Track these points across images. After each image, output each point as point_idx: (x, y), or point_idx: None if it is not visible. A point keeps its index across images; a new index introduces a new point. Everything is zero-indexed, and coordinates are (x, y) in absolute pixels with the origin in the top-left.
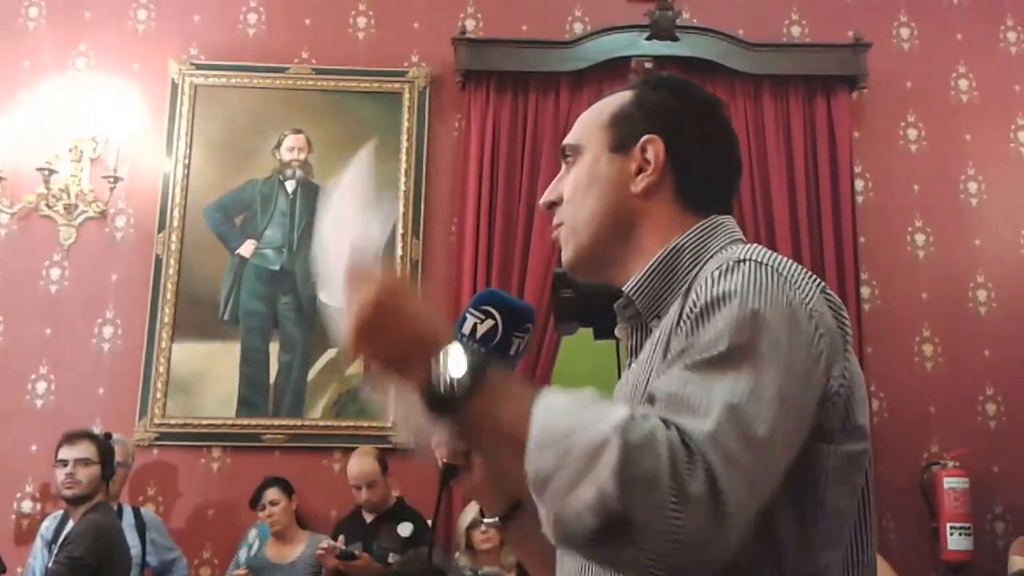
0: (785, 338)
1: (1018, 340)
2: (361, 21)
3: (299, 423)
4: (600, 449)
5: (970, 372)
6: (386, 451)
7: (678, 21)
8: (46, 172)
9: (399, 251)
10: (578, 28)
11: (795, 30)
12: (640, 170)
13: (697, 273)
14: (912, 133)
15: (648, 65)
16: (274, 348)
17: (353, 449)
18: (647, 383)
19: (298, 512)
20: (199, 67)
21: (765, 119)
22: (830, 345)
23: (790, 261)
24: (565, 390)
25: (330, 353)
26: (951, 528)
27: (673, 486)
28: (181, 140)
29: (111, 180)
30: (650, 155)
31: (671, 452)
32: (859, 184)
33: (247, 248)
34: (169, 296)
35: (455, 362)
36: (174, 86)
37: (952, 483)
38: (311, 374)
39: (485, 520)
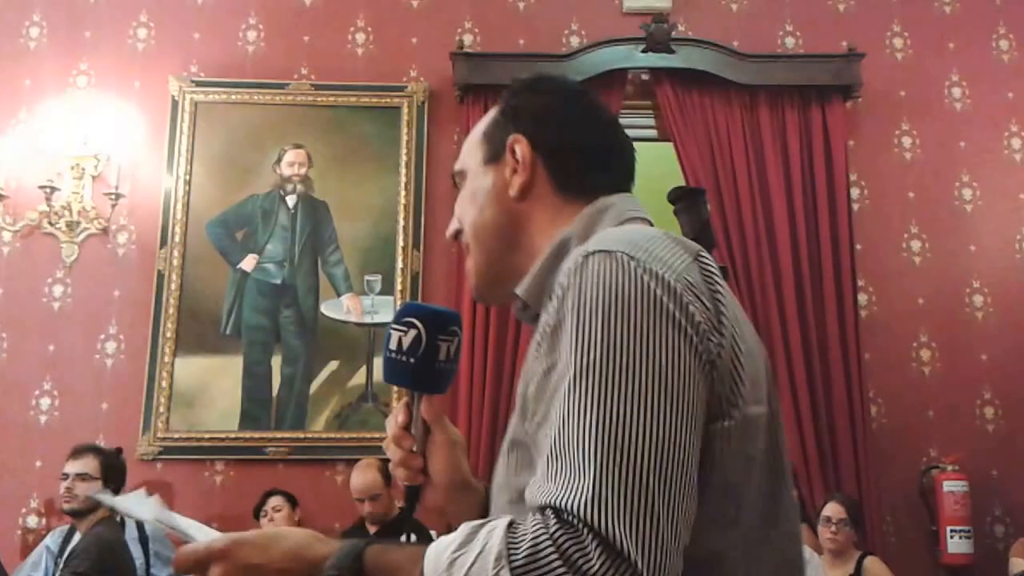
0: (643, 339)
1: (1014, 344)
2: (360, 37)
3: (302, 436)
4: None
5: (967, 376)
6: (389, 463)
7: (673, 33)
8: (48, 190)
9: (400, 264)
10: (574, 42)
11: (789, 41)
12: (515, 173)
13: None
14: (907, 141)
15: (645, 77)
16: (276, 361)
17: (356, 461)
18: (524, 393)
19: (301, 525)
20: (199, 84)
21: (761, 129)
22: (703, 314)
23: (654, 237)
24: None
25: (332, 366)
26: (951, 531)
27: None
28: (182, 156)
29: (113, 197)
30: (518, 154)
31: (558, 549)
32: (855, 192)
33: (249, 262)
34: (171, 311)
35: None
36: (174, 103)
37: (951, 486)
38: (313, 387)
39: None
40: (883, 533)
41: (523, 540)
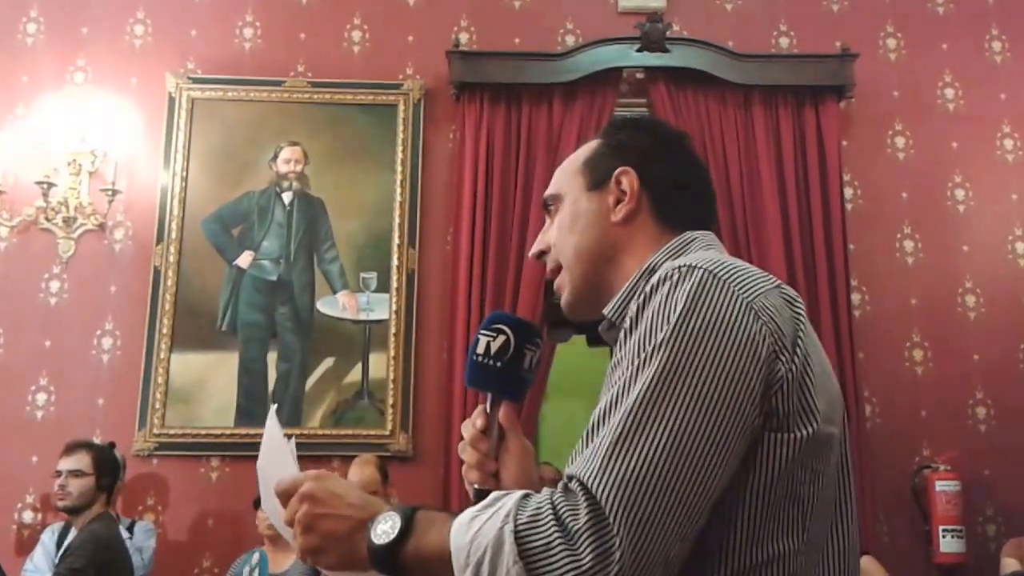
0: (706, 346)
1: (1006, 344)
2: (356, 35)
3: (297, 432)
4: (499, 543)
5: (960, 376)
6: (386, 459)
7: (668, 33)
8: (45, 186)
9: (395, 261)
10: (570, 40)
11: (783, 41)
12: (618, 201)
13: None
14: (900, 141)
15: (640, 76)
16: (272, 358)
17: (352, 457)
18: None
19: None
20: (196, 81)
21: (755, 129)
22: (776, 335)
23: (742, 266)
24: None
25: (328, 362)
26: (943, 531)
27: (560, 534)
28: (178, 153)
29: (109, 193)
30: (625, 185)
31: (554, 510)
32: (848, 192)
33: (245, 259)
34: (167, 307)
35: (385, 521)
36: (171, 100)
37: (944, 486)
38: (309, 383)
39: None
40: (876, 532)
41: (531, 503)
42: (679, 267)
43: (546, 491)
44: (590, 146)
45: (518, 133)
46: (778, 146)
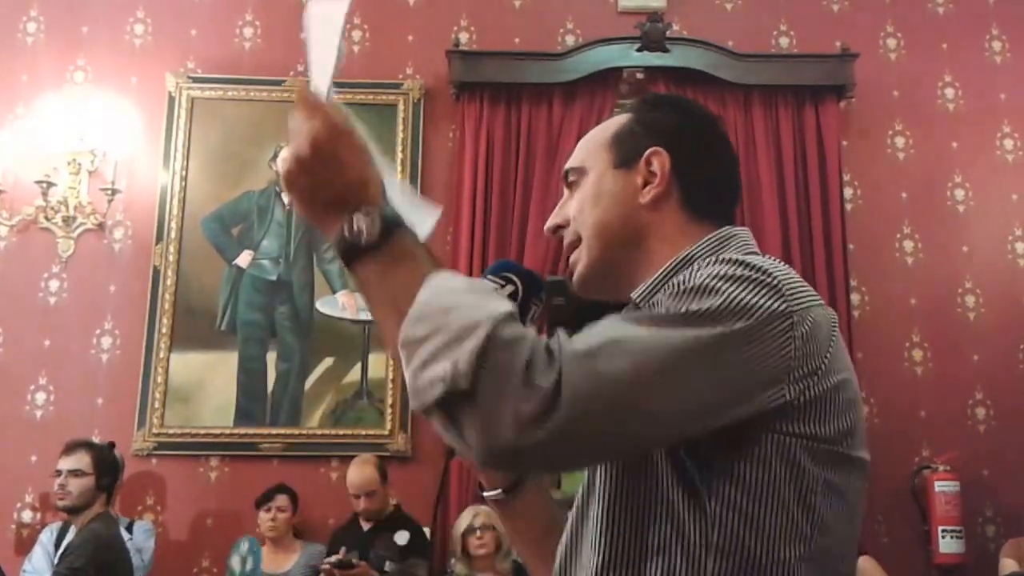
0: (738, 338)
1: (1006, 344)
2: (356, 34)
3: (296, 432)
4: (469, 331)
5: (959, 377)
6: (385, 459)
7: (668, 33)
8: (44, 185)
9: None
10: (570, 40)
11: (783, 41)
12: (646, 183)
13: None
14: (900, 141)
15: (640, 76)
16: (271, 357)
17: (351, 457)
18: None
19: (296, 522)
20: (196, 80)
21: (755, 129)
22: (801, 351)
23: (795, 275)
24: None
25: (327, 362)
26: (943, 531)
27: (522, 377)
28: (178, 152)
29: (109, 192)
30: (655, 167)
31: (532, 352)
32: (848, 192)
33: (244, 259)
34: (167, 307)
35: (372, 215)
36: (171, 99)
37: (943, 487)
38: (308, 383)
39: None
40: (875, 533)
41: (518, 327)
42: (740, 260)
43: (532, 331)
44: (619, 120)
45: (518, 133)
46: (778, 146)
